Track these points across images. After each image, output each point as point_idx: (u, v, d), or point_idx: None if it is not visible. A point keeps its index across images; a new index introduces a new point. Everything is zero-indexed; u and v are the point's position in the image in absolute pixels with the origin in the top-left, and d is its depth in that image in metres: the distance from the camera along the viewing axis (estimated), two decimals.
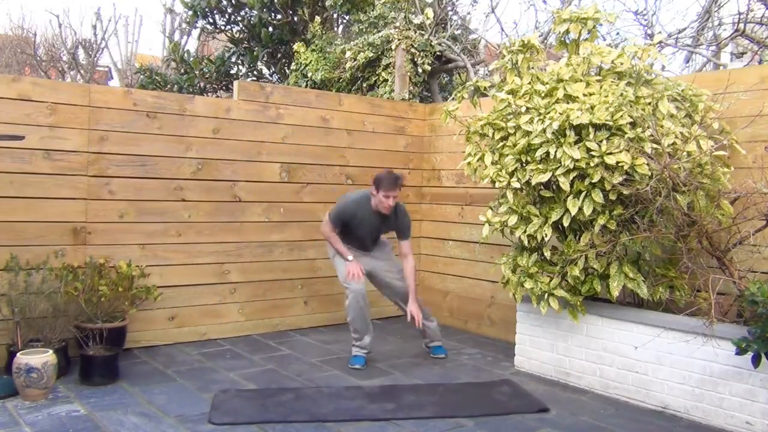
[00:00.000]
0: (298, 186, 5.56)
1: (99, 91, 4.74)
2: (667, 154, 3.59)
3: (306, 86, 7.74)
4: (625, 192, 3.65)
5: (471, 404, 3.80)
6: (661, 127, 3.70)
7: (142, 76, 10.17)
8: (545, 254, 4.07)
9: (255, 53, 9.37)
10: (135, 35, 16.43)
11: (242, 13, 9.69)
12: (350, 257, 4.56)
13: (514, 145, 4.03)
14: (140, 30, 17.03)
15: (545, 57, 4.52)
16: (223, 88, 9.84)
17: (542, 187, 3.96)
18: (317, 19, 8.47)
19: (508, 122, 4.12)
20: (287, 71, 8.93)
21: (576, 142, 3.77)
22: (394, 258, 4.88)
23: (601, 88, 3.96)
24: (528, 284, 4.03)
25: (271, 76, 9.97)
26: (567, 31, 4.34)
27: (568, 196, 3.80)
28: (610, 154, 3.65)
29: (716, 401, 3.55)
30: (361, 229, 4.62)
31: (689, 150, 3.64)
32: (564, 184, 3.75)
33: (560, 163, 3.76)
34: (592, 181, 3.68)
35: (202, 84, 9.75)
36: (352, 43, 7.38)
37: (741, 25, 6.69)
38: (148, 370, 4.32)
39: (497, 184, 4.10)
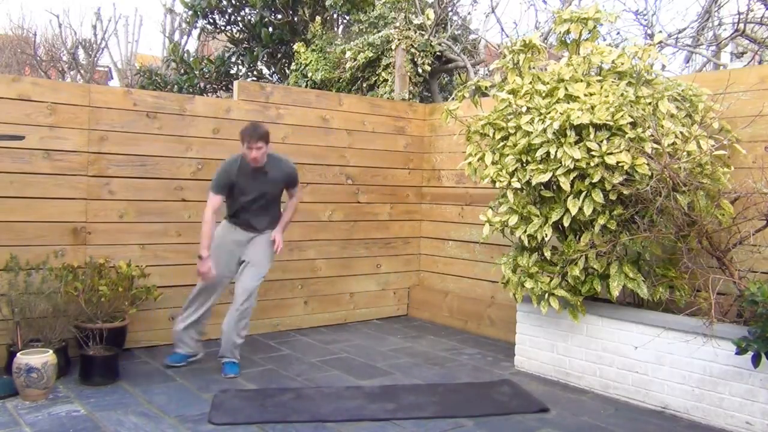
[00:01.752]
0: (298, 186, 5.54)
1: (99, 91, 4.74)
2: (668, 154, 3.59)
3: (306, 86, 7.74)
4: (626, 192, 3.65)
5: (471, 404, 3.80)
6: (662, 127, 3.70)
7: (142, 77, 10.17)
8: (545, 254, 4.07)
9: (255, 53, 9.37)
10: (135, 35, 16.43)
11: (242, 13, 9.69)
12: (205, 253, 4.14)
13: (515, 145, 4.03)
14: (140, 30, 17.03)
15: (546, 57, 4.52)
16: (223, 88, 9.84)
17: (542, 187, 3.96)
18: (318, 19, 8.47)
19: (509, 122, 4.12)
20: (287, 71, 8.93)
21: (576, 142, 3.77)
22: (269, 251, 4.42)
23: (601, 88, 3.96)
24: (528, 284, 4.03)
25: (271, 76, 9.97)
26: (567, 31, 4.34)
27: (568, 196, 3.80)
28: (611, 154, 3.65)
29: (716, 401, 3.54)
30: (247, 192, 4.26)
31: (689, 150, 3.64)
32: (564, 184, 3.75)
33: (561, 163, 3.76)
34: (593, 181, 3.68)
35: (202, 84, 9.75)
36: (352, 43, 7.38)
37: (741, 25, 6.70)
38: (148, 370, 4.32)
39: (497, 184, 4.10)
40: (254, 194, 4.29)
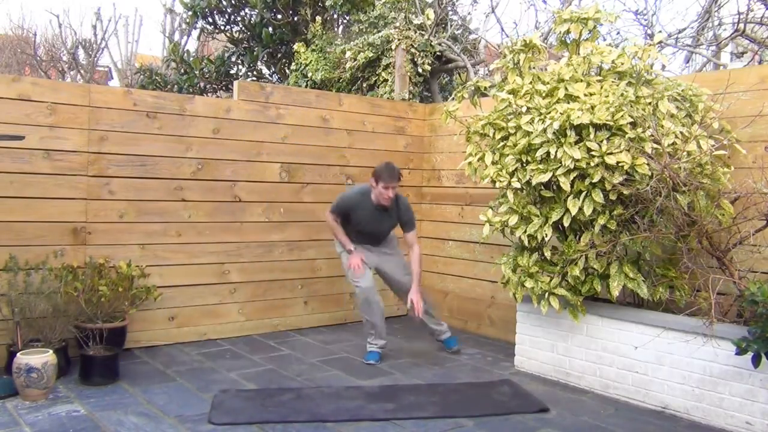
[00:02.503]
0: (298, 186, 5.55)
1: (99, 91, 4.74)
2: (668, 154, 3.59)
3: (306, 86, 7.74)
4: (626, 192, 3.65)
5: (471, 404, 3.80)
6: (662, 127, 3.70)
7: (142, 77, 10.17)
8: (545, 254, 4.06)
9: (255, 53, 9.37)
10: (135, 35, 16.43)
11: (242, 13, 9.69)
12: (351, 247, 4.60)
13: (515, 145, 4.03)
14: (140, 30, 17.01)
15: (546, 57, 4.52)
16: (223, 88, 9.84)
17: (543, 187, 3.96)
18: (318, 19, 8.47)
19: (509, 122, 4.12)
20: (287, 71, 8.93)
21: (576, 142, 3.77)
22: (401, 253, 4.91)
23: (601, 88, 3.96)
24: (528, 284, 4.03)
25: (271, 76, 9.97)
26: (567, 31, 4.34)
27: (568, 196, 3.80)
28: (611, 154, 3.65)
29: (716, 401, 3.54)
30: (365, 224, 4.63)
31: (689, 150, 3.64)
32: (564, 184, 3.75)
33: (561, 163, 3.76)
34: (593, 181, 3.68)
35: (202, 84, 9.75)
36: (352, 43, 7.38)
37: (741, 25, 6.69)
38: (148, 370, 4.32)
39: (497, 184, 4.10)
40: (371, 224, 4.64)
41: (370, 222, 4.62)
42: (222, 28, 9.95)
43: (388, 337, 4.81)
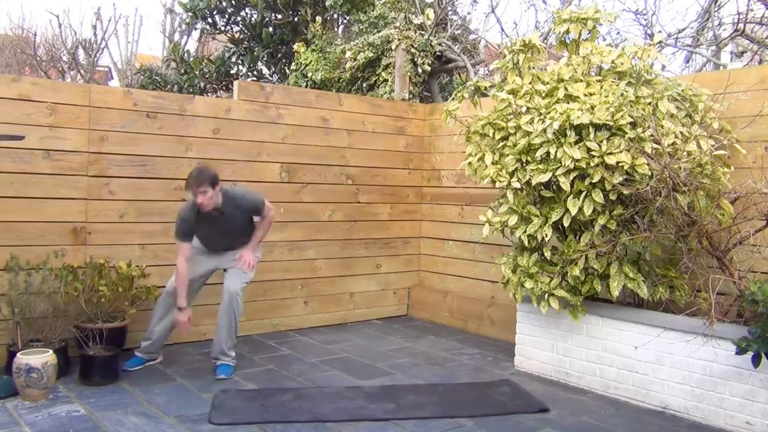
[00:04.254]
0: (298, 186, 5.55)
1: (99, 91, 4.74)
2: (667, 154, 3.59)
3: (306, 86, 7.73)
4: (625, 192, 3.65)
5: (471, 404, 3.80)
6: (661, 127, 3.70)
7: (142, 77, 10.16)
8: (545, 254, 4.06)
9: (255, 53, 9.36)
10: (135, 35, 16.40)
11: (242, 13, 9.69)
12: (183, 304, 4.17)
13: (515, 145, 4.03)
14: (140, 30, 16.95)
15: (546, 57, 4.52)
16: (223, 88, 9.83)
17: (542, 187, 3.96)
18: (318, 19, 8.47)
19: (509, 122, 4.12)
20: (287, 71, 8.92)
21: (576, 142, 3.77)
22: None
23: (601, 88, 3.96)
24: (528, 284, 4.03)
25: (271, 76, 9.96)
26: (567, 31, 4.34)
27: (568, 196, 3.80)
28: (611, 154, 3.65)
29: (716, 401, 3.54)
30: (212, 235, 4.32)
31: (689, 150, 3.64)
32: (564, 184, 3.75)
33: (560, 163, 3.76)
34: (593, 181, 3.68)
35: (202, 84, 9.74)
36: (352, 43, 7.38)
37: (741, 25, 6.69)
38: (148, 370, 4.32)
39: (497, 184, 4.10)
40: (218, 233, 4.31)
41: (215, 230, 4.27)
42: (222, 28, 9.95)
43: (388, 337, 4.80)
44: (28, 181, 4.34)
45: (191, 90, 9.39)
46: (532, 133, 3.92)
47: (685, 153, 3.62)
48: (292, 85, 7.94)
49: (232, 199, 4.25)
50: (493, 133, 4.20)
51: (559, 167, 3.76)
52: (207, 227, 4.25)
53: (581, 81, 4.03)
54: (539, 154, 3.86)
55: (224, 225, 4.27)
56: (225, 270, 4.43)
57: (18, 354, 3.74)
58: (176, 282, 4.18)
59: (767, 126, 3.96)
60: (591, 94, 3.92)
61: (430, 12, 7.06)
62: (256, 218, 4.43)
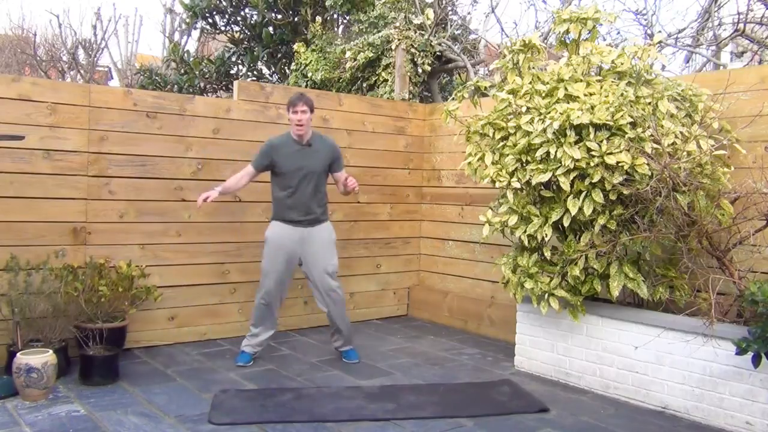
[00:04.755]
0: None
1: (99, 91, 4.74)
2: (667, 154, 3.59)
3: (306, 86, 7.73)
4: (625, 192, 3.65)
5: (471, 404, 3.80)
6: (661, 127, 3.70)
7: (142, 77, 10.16)
8: (545, 254, 4.06)
9: (255, 53, 9.37)
10: (135, 35, 16.40)
11: (242, 13, 9.69)
12: (219, 190, 4.35)
13: (515, 145, 4.03)
14: (140, 30, 16.97)
15: (546, 57, 4.52)
16: (223, 88, 9.84)
17: (542, 187, 3.96)
18: (318, 19, 8.47)
19: (509, 122, 4.12)
20: (287, 71, 8.93)
21: (576, 142, 3.77)
22: (331, 243, 4.54)
23: (601, 88, 3.96)
24: (528, 284, 4.03)
25: (271, 76, 9.96)
26: (567, 31, 4.34)
27: (568, 196, 3.80)
28: (611, 154, 3.65)
29: (716, 401, 3.54)
30: (290, 170, 4.36)
31: (689, 150, 3.64)
32: (564, 184, 3.75)
33: (560, 163, 3.76)
34: (593, 181, 3.68)
35: (202, 84, 9.75)
36: (352, 43, 7.38)
37: (741, 25, 6.70)
38: (148, 370, 4.32)
39: (497, 184, 4.10)
40: (299, 171, 4.37)
41: (296, 165, 4.38)
42: (222, 28, 9.95)
43: (388, 337, 4.80)
44: (28, 181, 4.34)
45: (191, 90, 9.40)
46: (532, 133, 3.92)
47: (685, 153, 3.62)
48: (292, 85, 7.94)
49: (320, 137, 4.55)
50: (493, 133, 4.20)
51: (559, 167, 3.76)
52: (288, 162, 4.36)
53: (581, 81, 4.03)
54: (539, 154, 3.86)
55: (307, 164, 4.38)
56: (300, 265, 4.49)
57: (18, 354, 3.74)
58: (230, 178, 4.49)
59: (767, 126, 3.96)
60: (591, 94, 3.92)
61: (430, 12, 7.06)
62: (336, 173, 4.58)
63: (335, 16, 9.06)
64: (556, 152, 3.78)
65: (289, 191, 4.39)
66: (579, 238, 3.96)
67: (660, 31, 7.01)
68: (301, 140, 4.41)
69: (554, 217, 3.89)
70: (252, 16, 9.55)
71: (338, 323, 4.60)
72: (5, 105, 4.24)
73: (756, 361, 3.22)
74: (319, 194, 4.48)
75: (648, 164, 3.59)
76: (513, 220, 4.05)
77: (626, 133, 3.69)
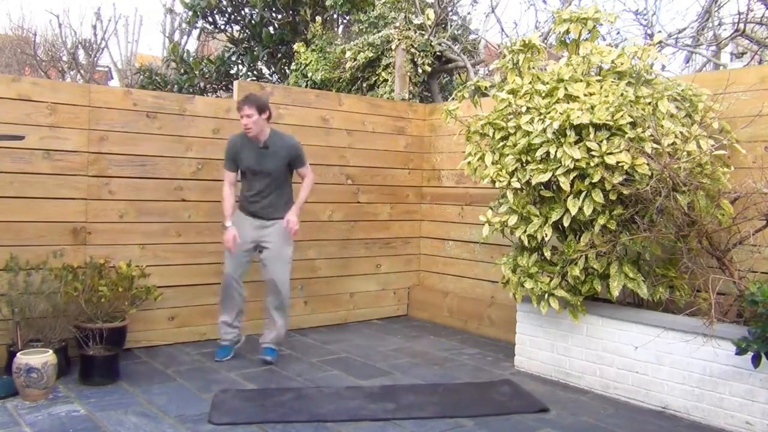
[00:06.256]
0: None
1: (99, 91, 4.74)
2: (667, 154, 3.59)
3: (306, 86, 7.74)
4: (625, 192, 3.65)
5: (471, 404, 3.80)
6: (661, 127, 3.70)
7: (142, 76, 10.17)
8: (545, 254, 4.06)
9: (255, 53, 9.37)
10: (135, 35, 16.41)
11: (242, 12, 9.69)
12: (228, 223, 4.41)
13: (515, 145, 4.03)
14: (140, 30, 16.99)
15: (546, 57, 4.52)
16: (223, 88, 9.84)
17: (542, 187, 3.96)
18: (318, 19, 8.47)
19: (509, 122, 4.12)
20: (287, 71, 8.93)
21: (576, 142, 3.77)
22: (285, 239, 4.49)
23: (601, 88, 3.96)
24: (528, 284, 4.03)
25: (271, 76, 9.97)
26: (567, 31, 4.34)
27: (568, 196, 3.80)
28: (611, 154, 3.65)
29: (716, 401, 3.54)
30: (253, 171, 4.42)
31: (689, 150, 3.64)
32: (564, 184, 3.75)
33: (560, 163, 3.76)
34: (593, 181, 3.68)
35: (202, 84, 9.75)
36: (352, 43, 7.38)
37: (741, 25, 6.69)
38: (148, 370, 4.32)
39: (497, 184, 4.10)
40: (260, 171, 4.42)
41: (257, 165, 4.41)
42: (222, 27, 9.95)
43: (388, 337, 4.80)
44: (28, 181, 4.33)
45: (191, 90, 9.40)
46: (532, 133, 3.92)
47: (685, 153, 3.62)
48: (292, 85, 7.94)
49: (280, 136, 4.51)
50: (493, 133, 4.20)
51: (559, 167, 3.76)
52: (249, 160, 4.40)
53: (581, 81, 4.03)
54: (539, 154, 3.86)
55: (267, 165, 4.41)
56: (261, 252, 4.48)
57: (18, 354, 3.74)
58: (223, 203, 4.45)
59: (767, 126, 3.96)
60: (591, 94, 3.92)
61: (430, 12, 7.06)
62: (299, 169, 4.57)
63: (335, 16, 9.07)
64: (556, 152, 3.78)
65: (251, 191, 4.47)
66: (579, 238, 3.96)
67: (660, 31, 7.01)
68: (257, 141, 4.41)
69: (554, 217, 3.89)
70: (252, 15, 9.55)
71: (275, 317, 4.53)
72: (5, 105, 4.24)
73: (756, 361, 3.22)
74: (281, 192, 4.52)
75: (648, 164, 3.59)
76: (513, 220, 4.05)
77: (626, 133, 3.69)
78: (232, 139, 4.52)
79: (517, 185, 3.99)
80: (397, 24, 6.91)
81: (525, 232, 4.00)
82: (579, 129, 3.79)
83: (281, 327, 4.56)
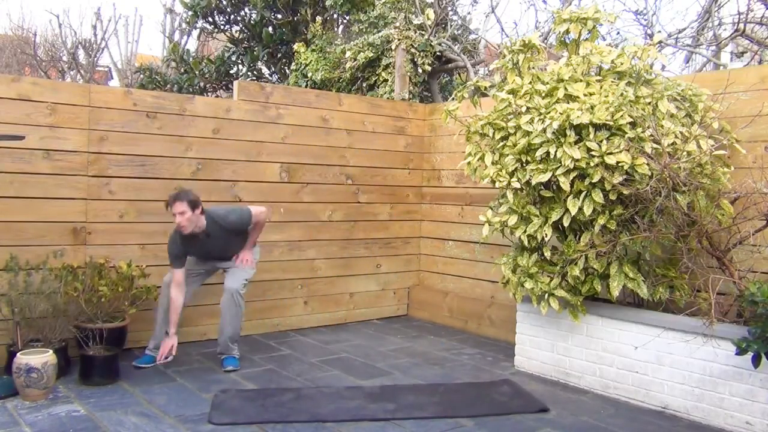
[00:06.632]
0: (298, 186, 5.55)
1: (99, 91, 4.74)
2: (667, 154, 3.59)
3: (306, 86, 7.74)
4: (625, 192, 3.65)
5: (471, 404, 3.80)
6: (661, 126, 3.69)
7: (142, 76, 10.16)
8: (545, 254, 4.06)
9: (255, 53, 9.36)
10: (135, 35, 16.41)
11: (242, 12, 9.69)
12: (172, 330, 4.27)
13: (515, 145, 4.03)
14: (140, 30, 16.97)
15: (546, 57, 4.52)
16: (223, 88, 9.83)
17: (542, 187, 3.96)
18: (318, 19, 8.47)
19: (509, 122, 4.12)
20: (287, 71, 8.93)
21: (576, 142, 3.76)
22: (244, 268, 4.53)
23: (601, 88, 3.96)
24: (528, 284, 4.03)
25: (271, 76, 9.97)
26: (567, 31, 4.34)
27: (568, 196, 3.80)
28: (611, 154, 3.65)
29: (716, 401, 3.54)
30: (204, 255, 4.43)
31: (689, 150, 3.64)
32: (564, 184, 3.75)
33: (560, 163, 3.76)
34: (592, 181, 3.68)
35: (202, 84, 9.74)
36: (352, 43, 7.38)
37: (741, 25, 6.69)
38: (148, 370, 4.32)
39: (497, 184, 4.10)
40: (209, 254, 4.44)
41: (205, 252, 4.38)
42: (222, 27, 9.95)
43: (388, 337, 4.80)
44: (28, 181, 4.34)
45: (191, 90, 9.39)
46: (531, 133, 3.92)
47: (685, 153, 3.62)
48: (292, 85, 7.94)
49: (216, 221, 4.30)
50: (493, 133, 4.20)
51: (559, 167, 3.76)
52: (197, 249, 4.35)
53: (581, 81, 4.03)
54: (539, 154, 3.86)
55: (213, 245, 4.36)
56: (224, 271, 4.51)
57: (18, 354, 3.74)
58: (170, 307, 4.29)
59: (767, 126, 3.96)
60: (591, 94, 3.92)
61: (430, 12, 7.06)
62: (248, 228, 4.50)
63: (335, 16, 9.06)
64: (556, 152, 3.78)
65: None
66: (579, 238, 3.96)
67: (660, 31, 7.02)
68: (198, 231, 4.23)
69: (554, 217, 3.89)
70: (252, 15, 9.55)
71: (224, 325, 4.39)
72: (5, 105, 4.24)
73: (756, 361, 3.22)
74: (238, 245, 4.53)
75: (648, 164, 3.59)
76: (513, 220, 4.05)
77: (626, 133, 3.69)
78: (173, 237, 4.27)
79: (517, 185, 3.99)
80: (397, 24, 6.91)
81: (525, 232, 4.00)
82: (579, 129, 3.79)
83: (227, 332, 4.40)
